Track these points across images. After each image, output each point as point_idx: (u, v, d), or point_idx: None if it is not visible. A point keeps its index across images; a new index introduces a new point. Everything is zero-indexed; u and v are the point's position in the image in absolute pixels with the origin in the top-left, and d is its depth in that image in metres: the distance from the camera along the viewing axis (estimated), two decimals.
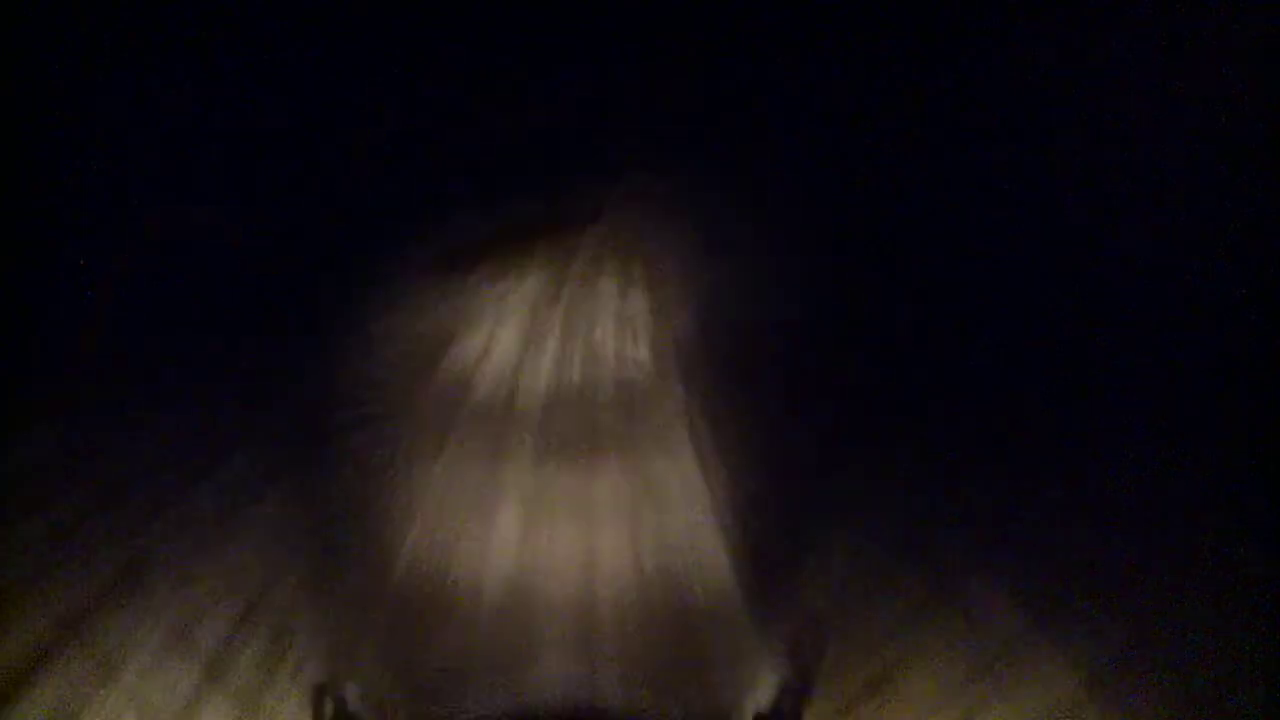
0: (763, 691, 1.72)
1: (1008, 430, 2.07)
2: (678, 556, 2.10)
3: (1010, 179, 3.17)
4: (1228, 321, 2.29)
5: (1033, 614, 1.69)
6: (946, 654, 1.68)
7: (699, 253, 3.09)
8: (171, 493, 2.23)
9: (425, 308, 2.95)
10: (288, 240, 3.23)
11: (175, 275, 2.96)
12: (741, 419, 2.40)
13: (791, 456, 2.20)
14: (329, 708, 1.79)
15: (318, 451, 2.43)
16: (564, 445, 2.47)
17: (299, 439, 2.49)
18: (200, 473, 2.32)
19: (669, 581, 2.00)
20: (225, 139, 3.35)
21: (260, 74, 3.43)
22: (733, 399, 2.47)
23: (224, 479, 2.31)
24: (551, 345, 2.82)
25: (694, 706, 1.74)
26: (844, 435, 2.21)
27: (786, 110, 3.42)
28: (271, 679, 1.83)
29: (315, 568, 2.04)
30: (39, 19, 3.08)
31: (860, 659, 1.73)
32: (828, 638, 1.85)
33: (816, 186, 3.19)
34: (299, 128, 3.56)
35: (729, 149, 3.31)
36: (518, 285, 3.00)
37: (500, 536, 2.18)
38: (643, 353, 2.75)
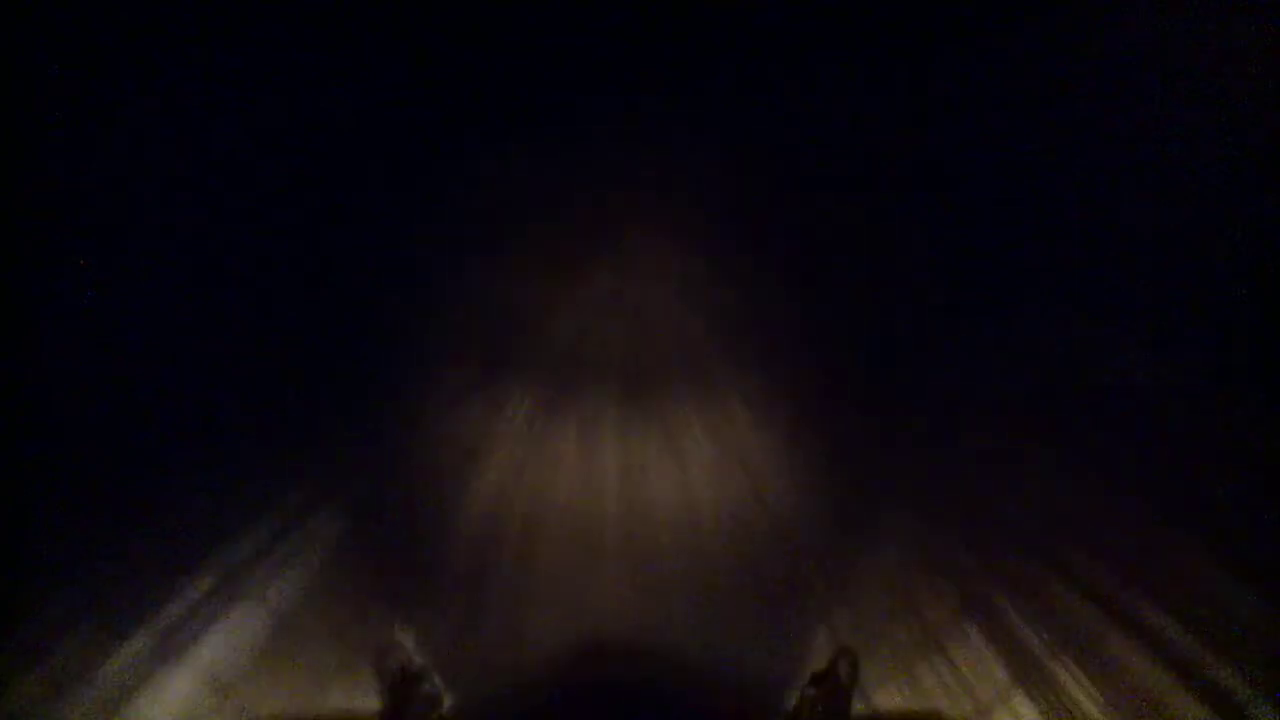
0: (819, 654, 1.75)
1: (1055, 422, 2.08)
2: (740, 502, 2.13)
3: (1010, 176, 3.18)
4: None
5: (1101, 606, 1.71)
6: (994, 645, 1.71)
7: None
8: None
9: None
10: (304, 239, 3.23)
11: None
12: (801, 386, 2.44)
13: (846, 437, 2.23)
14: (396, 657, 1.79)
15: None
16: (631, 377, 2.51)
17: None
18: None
19: (728, 525, 2.03)
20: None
21: (268, 72, 3.42)
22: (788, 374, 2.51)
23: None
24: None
25: (753, 658, 1.75)
26: (900, 417, 2.25)
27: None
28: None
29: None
30: (39, 19, 3.07)
31: (914, 629, 1.75)
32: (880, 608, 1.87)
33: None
34: (301, 128, 3.56)
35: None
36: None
37: (561, 468, 2.22)
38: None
